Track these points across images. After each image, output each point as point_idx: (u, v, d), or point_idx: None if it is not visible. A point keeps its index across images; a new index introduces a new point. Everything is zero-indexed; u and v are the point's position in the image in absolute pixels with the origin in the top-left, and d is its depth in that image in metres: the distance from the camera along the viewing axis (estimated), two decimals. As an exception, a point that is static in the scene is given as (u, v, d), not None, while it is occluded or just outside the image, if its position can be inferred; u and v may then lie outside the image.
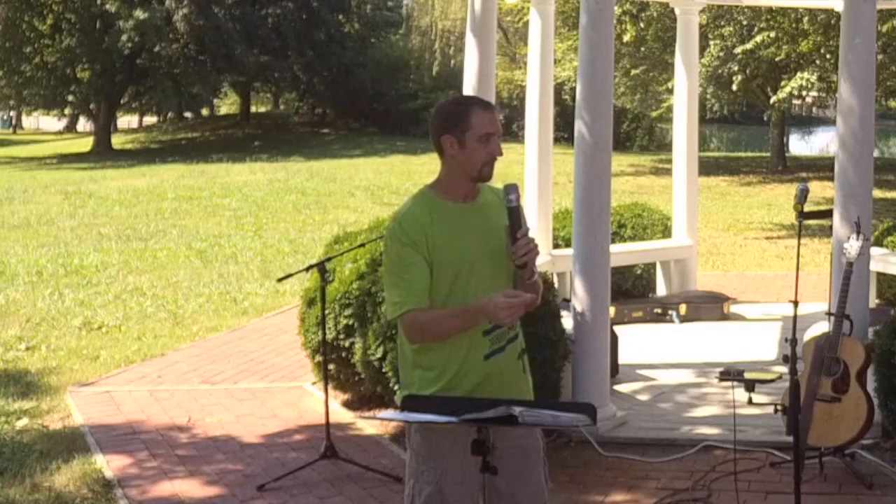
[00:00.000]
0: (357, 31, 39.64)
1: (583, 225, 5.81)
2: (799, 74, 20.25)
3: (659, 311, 8.79)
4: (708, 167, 23.50)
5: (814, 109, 46.34)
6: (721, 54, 21.03)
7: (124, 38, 32.32)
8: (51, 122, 56.03)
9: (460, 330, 3.23)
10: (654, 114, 30.36)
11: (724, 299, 9.04)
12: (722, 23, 20.78)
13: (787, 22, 19.09)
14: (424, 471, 3.34)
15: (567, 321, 5.93)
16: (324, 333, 5.82)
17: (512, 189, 3.21)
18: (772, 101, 22.04)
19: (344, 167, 25.99)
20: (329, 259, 5.96)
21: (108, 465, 5.73)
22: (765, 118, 28.01)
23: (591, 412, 2.99)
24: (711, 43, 20.85)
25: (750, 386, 5.12)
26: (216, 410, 6.75)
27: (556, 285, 7.84)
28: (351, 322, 6.29)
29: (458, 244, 3.26)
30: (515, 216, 3.21)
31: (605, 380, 5.94)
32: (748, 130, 43.81)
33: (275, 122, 43.21)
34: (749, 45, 19.70)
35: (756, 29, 19.89)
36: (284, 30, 35.74)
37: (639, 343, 7.88)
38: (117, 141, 39.08)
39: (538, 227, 8.39)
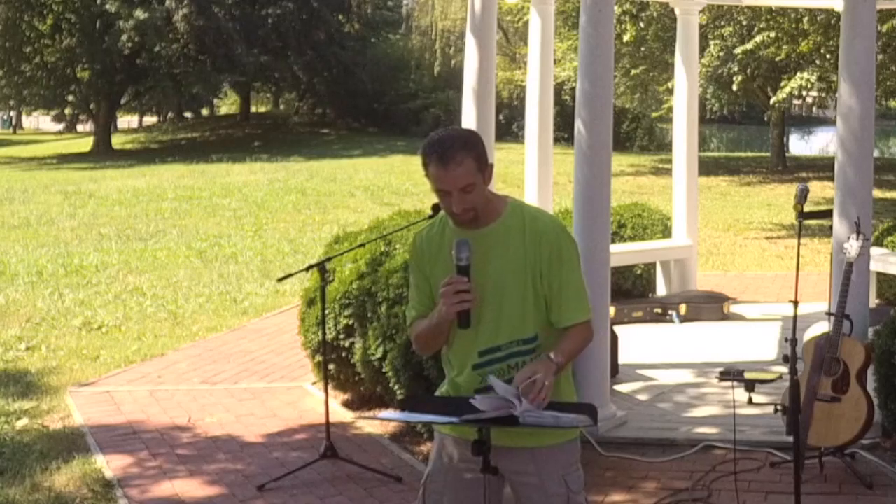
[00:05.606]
0: (357, 31, 39.59)
1: (583, 225, 5.81)
2: (799, 74, 20.24)
3: (659, 311, 8.79)
4: (708, 167, 23.49)
5: (814, 109, 46.28)
6: (721, 54, 21.04)
7: (124, 38, 32.31)
8: (51, 122, 55.97)
9: (432, 330, 3.13)
10: (654, 114, 30.39)
11: (724, 299, 9.03)
12: (722, 23, 20.78)
13: (787, 22, 19.09)
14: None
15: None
16: (324, 333, 5.82)
17: (462, 247, 3.01)
18: (772, 101, 22.03)
19: (344, 167, 25.97)
20: (329, 259, 5.96)
21: (108, 465, 5.73)
22: (765, 118, 28.02)
23: (591, 412, 2.99)
24: (711, 43, 20.86)
25: (750, 386, 5.13)
26: (216, 410, 6.75)
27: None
28: (351, 322, 6.30)
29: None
30: (465, 274, 3.02)
31: (605, 380, 5.94)
32: (748, 130, 43.81)
33: (275, 122, 43.17)
34: (749, 46, 19.69)
35: (756, 29, 19.88)
36: (284, 30, 35.72)
37: (639, 343, 7.88)
38: (117, 141, 39.07)
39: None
